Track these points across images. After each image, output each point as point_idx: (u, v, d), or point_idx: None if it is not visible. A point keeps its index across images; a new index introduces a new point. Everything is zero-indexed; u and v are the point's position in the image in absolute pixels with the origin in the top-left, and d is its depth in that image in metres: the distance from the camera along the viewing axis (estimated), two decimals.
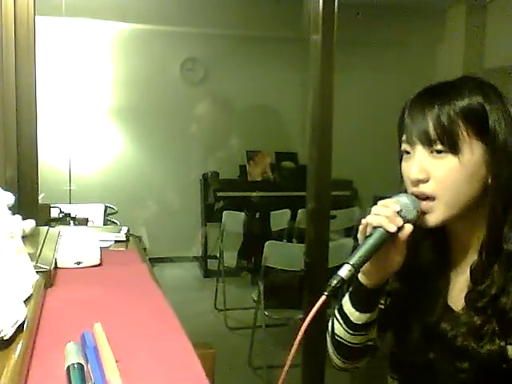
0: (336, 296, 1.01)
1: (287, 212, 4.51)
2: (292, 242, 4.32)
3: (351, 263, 0.84)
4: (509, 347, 0.86)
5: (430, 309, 0.95)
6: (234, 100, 5.58)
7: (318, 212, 2.28)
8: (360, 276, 0.93)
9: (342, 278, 0.83)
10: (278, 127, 5.61)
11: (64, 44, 4.76)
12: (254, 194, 5.37)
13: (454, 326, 0.91)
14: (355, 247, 0.88)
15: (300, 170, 5.19)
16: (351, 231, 4.44)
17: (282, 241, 4.29)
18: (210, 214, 5.33)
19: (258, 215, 5.20)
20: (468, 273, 0.92)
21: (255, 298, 3.24)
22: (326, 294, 0.82)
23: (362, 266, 0.86)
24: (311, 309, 0.81)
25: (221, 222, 4.41)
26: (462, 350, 0.89)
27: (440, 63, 5.67)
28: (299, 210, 4.28)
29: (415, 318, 0.97)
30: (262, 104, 5.63)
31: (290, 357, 0.80)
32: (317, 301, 0.82)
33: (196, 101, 5.49)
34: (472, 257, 0.93)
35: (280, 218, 4.51)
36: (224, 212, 4.47)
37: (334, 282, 0.83)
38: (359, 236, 0.90)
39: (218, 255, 4.51)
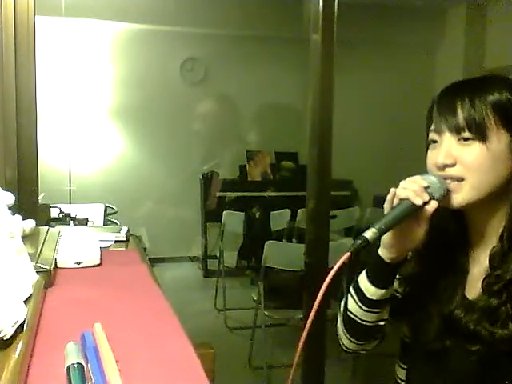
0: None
1: (287, 212, 4.51)
2: (292, 242, 4.32)
3: (376, 227, 0.88)
4: None
5: (449, 298, 0.97)
6: (234, 100, 5.58)
7: (318, 212, 2.28)
8: (380, 250, 0.96)
9: (367, 239, 0.86)
10: (278, 127, 5.61)
11: (64, 44, 4.76)
12: (254, 193, 5.37)
13: (468, 312, 0.93)
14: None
15: (300, 169, 5.19)
16: (351, 231, 4.45)
17: (282, 241, 4.29)
18: (210, 214, 5.33)
19: (258, 215, 5.20)
20: (485, 263, 0.94)
21: (255, 298, 3.24)
22: (350, 251, 0.86)
23: (385, 232, 0.89)
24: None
25: (221, 222, 4.41)
26: (475, 333, 0.91)
27: (440, 63, 5.67)
28: (299, 210, 4.28)
29: (434, 306, 0.99)
30: (262, 104, 5.63)
31: (304, 334, 0.81)
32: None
33: (196, 101, 5.49)
34: (490, 247, 0.95)
35: (280, 218, 4.51)
36: (224, 212, 4.47)
37: (359, 241, 0.86)
38: (386, 205, 0.93)
39: (218, 255, 4.51)
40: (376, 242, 0.90)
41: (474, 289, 0.96)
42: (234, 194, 5.37)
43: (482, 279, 0.94)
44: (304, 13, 2.78)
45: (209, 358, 1.08)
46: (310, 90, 2.26)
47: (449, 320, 0.96)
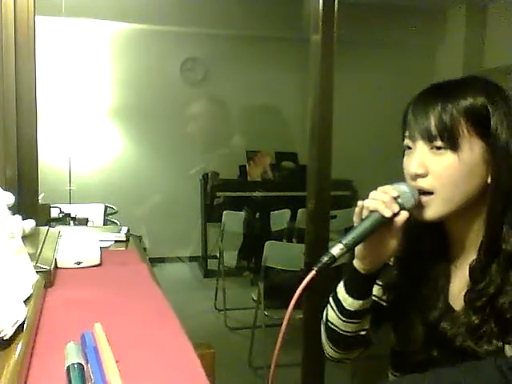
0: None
1: (287, 212, 4.51)
2: (292, 242, 4.32)
3: (344, 243, 0.86)
4: (507, 346, 0.86)
5: (432, 307, 0.96)
6: (234, 100, 5.58)
7: (318, 212, 2.28)
8: (355, 261, 0.94)
9: (333, 256, 0.85)
10: (278, 127, 5.61)
11: (64, 44, 4.76)
12: (253, 193, 5.37)
13: (454, 325, 0.92)
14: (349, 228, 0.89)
15: (300, 169, 5.19)
16: None
17: (282, 241, 4.28)
18: (210, 214, 5.34)
19: (257, 215, 5.20)
20: (467, 273, 0.92)
21: (255, 298, 3.24)
22: (315, 269, 0.84)
23: (354, 247, 0.88)
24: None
25: (221, 221, 4.41)
26: (462, 349, 0.89)
27: (440, 63, 5.67)
28: (299, 210, 4.28)
29: (417, 315, 0.97)
30: (262, 104, 5.63)
31: (280, 339, 0.81)
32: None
33: (196, 101, 5.49)
34: (471, 255, 0.93)
35: (280, 218, 4.50)
36: (224, 212, 4.46)
37: (325, 258, 0.85)
38: (354, 218, 0.91)
39: (218, 255, 4.51)
40: (350, 255, 0.88)
41: (458, 298, 0.94)
42: (234, 194, 5.37)
43: (465, 289, 0.92)
44: (304, 13, 2.78)
45: (209, 357, 1.08)
46: (310, 90, 2.26)
47: (434, 330, 0.94)
